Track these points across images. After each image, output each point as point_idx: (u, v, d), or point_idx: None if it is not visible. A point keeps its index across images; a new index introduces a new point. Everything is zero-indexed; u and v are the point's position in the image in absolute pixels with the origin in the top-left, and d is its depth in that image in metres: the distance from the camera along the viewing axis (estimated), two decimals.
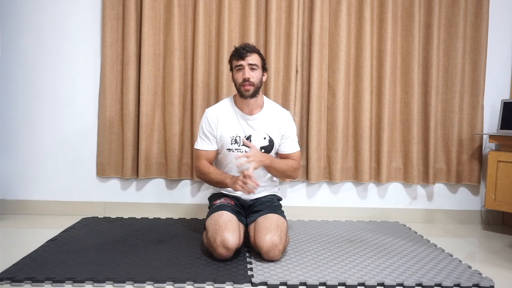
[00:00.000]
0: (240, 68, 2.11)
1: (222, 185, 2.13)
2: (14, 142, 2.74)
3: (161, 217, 2.72)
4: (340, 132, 2.78)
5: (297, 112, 2.79)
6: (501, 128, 2.72)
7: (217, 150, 2.22)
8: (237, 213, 2.09)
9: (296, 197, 2.88)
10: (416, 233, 2.56)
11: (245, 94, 2.11)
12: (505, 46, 2.90)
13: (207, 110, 2.21)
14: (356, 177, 2.84)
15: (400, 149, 2.87)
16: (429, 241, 2.39)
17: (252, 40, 2.69)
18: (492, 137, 2.73)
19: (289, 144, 2.25)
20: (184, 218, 2.74)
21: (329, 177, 2.84)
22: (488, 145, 2.90)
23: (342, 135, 2.79)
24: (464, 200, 2.95)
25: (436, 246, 2.30)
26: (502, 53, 2.90)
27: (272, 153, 2.23)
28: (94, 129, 2.75)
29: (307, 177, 2.81)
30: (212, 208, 2.12)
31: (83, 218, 2.64)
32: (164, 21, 2.71)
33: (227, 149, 2.17)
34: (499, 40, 2.89)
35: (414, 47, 2.77)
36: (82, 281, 1.67)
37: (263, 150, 2.19)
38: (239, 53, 2.11)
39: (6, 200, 2.75)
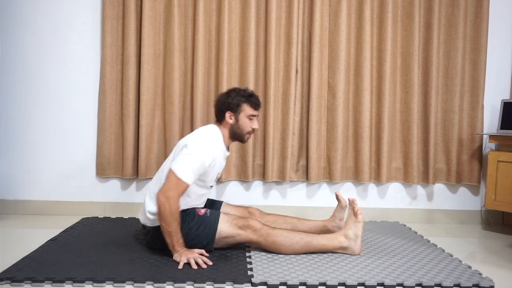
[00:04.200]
0: (253, 118, 2.10)
1: (169, 241, 1.91)
2: (14, 142, 2.75)
3: None
4: (340, 132, 2.78)
5: (297, 112, 2.79)
6: (501, 128, 2.72)
7: None
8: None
9: (296, 197, 2.88)
10: (416, 233, 2.56)
11: (246, 141, 2.15)
12: (505, 46, 2.90)
13: (210, 146, 2.00)
14: (356, 177, 2.84)
15: (400, 149, 2.87)
16: (429, 241, 2.39)
17: (252, 40, 2.69)
18: (492, 137, 2.73)
19: None
20: None
21: (329, 177, 2.84)
22: (488, 145, 2.90)
23: (342, 135, 2.79)
24: (464, 200, 2.95)
25: (436, 246, 2.30)
26: (502, 53, 2.90)
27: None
28: (94, 129, 2.75)
29: (307, 177, 2.81)
30: (207, 216, 2.04)
31: (83, 218, 2.64)
32: (164, 21, 2.71)
33: (210, 186, 2.12)
34: (499, 40, 2.89)
35: (414, 47, 2.77)
36: (82, 281, 1.67)
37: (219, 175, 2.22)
38: (258, 103, 2.12)
39: (6, 200, 2.75)
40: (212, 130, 2.08)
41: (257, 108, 2.12)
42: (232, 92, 2.11)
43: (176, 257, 1.90)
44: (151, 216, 2.00)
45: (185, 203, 2.03)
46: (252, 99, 2.10)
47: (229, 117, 2.09)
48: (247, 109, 2.08)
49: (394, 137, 2.86)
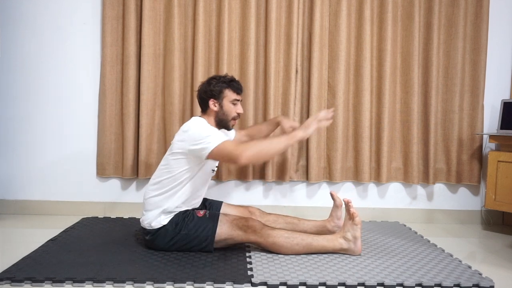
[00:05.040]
0: (236, 102, 2.14)
1: (289, 144, 1.98)
2: (14, 142, 2.75)
3: None
4: (340, 132, 2.78)
5: (297, 112, 2.79)
6: (501, 128, 2.72)
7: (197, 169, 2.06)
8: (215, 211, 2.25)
9: (296, 197, 2.88)
10: (416, 233, 2.56)
11: (231, 128, 2.18)
12: (505, 46, 2.90)
13: (207, 125, 2.03)
14: (356, 177, 2.84)
15: (400, 149, 2.87)
16: (429, 241, 2.39)
17: (252, 40, 2.69)
18: (492, 137, 2.73)
19: None
20: None
21: (329, 177, 2.84)
22: (488, 145, 2.90)
23: (342, 135, 2.79)
24: (464, 200, 2.95)
25: (436, 246, 2.30)
26: (502, 53, 2.90)
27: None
28: (94, 129, 2.76)
29: (307, 177, 2.81)
30: (206, 218, 2.05)
31: (83, 218, 2.64)
32: (164, 21, 2.71)
33: (212, 170, 2.17)
34: (499, 40, 2.89)
35: (414, 47, 2.77)
36: (82, 281, 1.67)
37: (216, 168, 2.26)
38: (239, 87, 2.15)
39: (6, 200, 2.75)
40: (199, 119, 2.06)
41: (239, 93, 2.15)
42: (212, 80, 2.14)
43: (302, 133, 1.99)
44: (151, 222, 2.03)
45: (189, 192, 2.05)
46: (233, 84, 2.13)
47: (213, 105, 2.11)
48: (229, 95, 2.12)
49: (394, 137, 2.86)
